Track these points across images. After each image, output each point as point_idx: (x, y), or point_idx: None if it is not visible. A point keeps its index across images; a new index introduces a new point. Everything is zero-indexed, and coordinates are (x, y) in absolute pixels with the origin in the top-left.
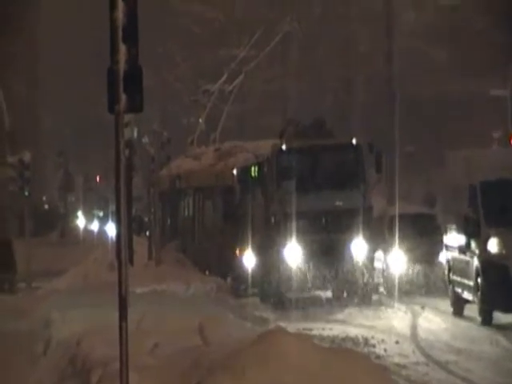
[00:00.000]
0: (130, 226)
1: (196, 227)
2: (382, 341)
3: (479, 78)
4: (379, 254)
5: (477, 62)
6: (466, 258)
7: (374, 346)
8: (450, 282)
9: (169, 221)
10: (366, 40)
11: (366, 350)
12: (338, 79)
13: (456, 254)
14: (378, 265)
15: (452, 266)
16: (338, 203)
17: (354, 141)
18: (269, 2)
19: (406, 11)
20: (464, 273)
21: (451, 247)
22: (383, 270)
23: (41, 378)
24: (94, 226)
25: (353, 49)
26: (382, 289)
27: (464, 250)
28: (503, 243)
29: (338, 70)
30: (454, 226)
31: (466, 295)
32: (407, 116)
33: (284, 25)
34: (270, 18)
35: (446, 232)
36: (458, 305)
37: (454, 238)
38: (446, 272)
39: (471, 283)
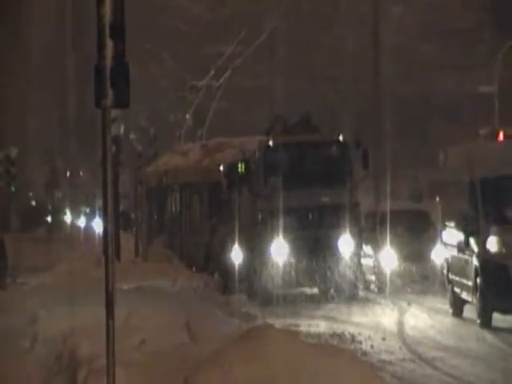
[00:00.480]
0: (117, 222)
1: (183, 223)
2: (369, 337)
3: (466, 74)
4: (370, 250)
5: (464, 59)
6: (465, 256)
7: (360, 342)
8: (449, 281)
9: (156, 217)
10: (352, 37)
11: (352, 346)
12: (325, 76)
13: (455, 252)
14: (368, 262)
15: (450, 265)
16: (325, 199)
17: (340, 137)
18: None
19: (393, 9)
20: (463, 272)
21: (450, 245)
22: (374, 267)
23: (28, 375)
24: (81, 221)
25: (340, 46)
26: (372, 286)
27: (463, 248)
28: (503, 242)
29: (325, 67)
30: (452, 224)
31: (465, 295)
32: (393, 113)
33: (271, 21)
34: (256, 15)
35: (442, 229)
36: (457, 305)
37: (452, 236)
38: (445, 271)
39: (470, 283)
